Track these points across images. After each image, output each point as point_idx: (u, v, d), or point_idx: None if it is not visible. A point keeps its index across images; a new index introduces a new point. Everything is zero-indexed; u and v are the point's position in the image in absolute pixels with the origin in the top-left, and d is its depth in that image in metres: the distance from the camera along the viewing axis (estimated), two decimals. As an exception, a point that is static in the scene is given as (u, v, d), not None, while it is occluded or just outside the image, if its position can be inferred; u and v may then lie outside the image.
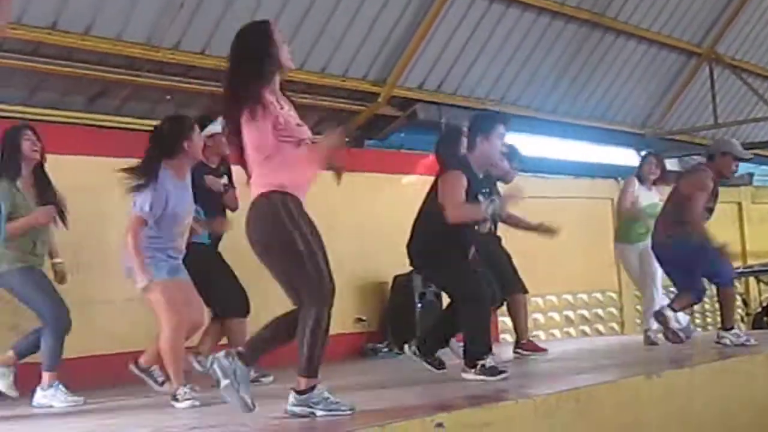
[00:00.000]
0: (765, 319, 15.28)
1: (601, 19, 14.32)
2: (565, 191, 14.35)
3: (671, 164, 16.42)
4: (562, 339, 14.19)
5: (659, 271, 10.17)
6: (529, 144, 14.72)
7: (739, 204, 19.11)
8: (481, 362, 6.92)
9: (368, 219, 10.89)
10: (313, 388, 5.21)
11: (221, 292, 7.71)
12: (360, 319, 11.21)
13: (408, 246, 7.43)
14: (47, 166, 7.45)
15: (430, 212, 7.26)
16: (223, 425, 5.34)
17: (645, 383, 6.49)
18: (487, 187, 7.54)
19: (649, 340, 10.10)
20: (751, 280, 17.10)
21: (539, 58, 13.93)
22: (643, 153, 10.94)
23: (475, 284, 7.11)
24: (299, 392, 5.21)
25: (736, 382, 7.37)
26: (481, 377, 6.85)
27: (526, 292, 9.18)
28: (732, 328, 8.95)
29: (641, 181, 10.36)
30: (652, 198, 10.44)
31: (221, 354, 5.34)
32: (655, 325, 10.12)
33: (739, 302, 17.82)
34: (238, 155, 5.44)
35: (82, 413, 6.74)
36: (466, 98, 13.29)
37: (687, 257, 8.86)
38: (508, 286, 8.69)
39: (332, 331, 10.82)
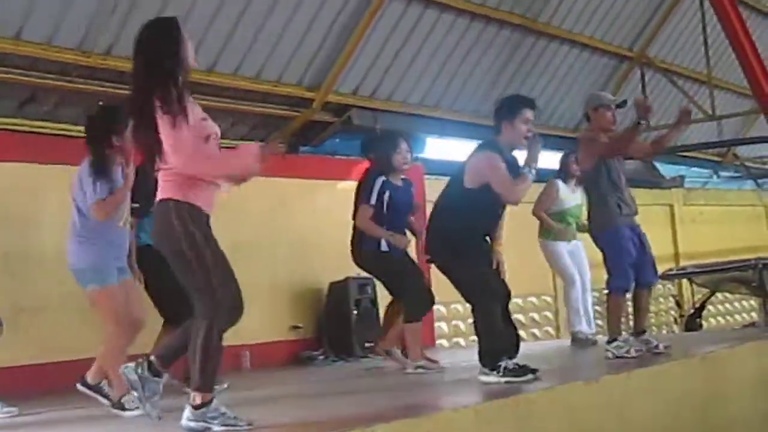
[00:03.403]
0: (698, 320, 15.39)
1: (533, 24, 14.40)
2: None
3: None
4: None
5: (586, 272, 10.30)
6: (463, 149, 14.75)
7: (671, 206, 19.30)
8: (501, 363, 6.82)
9: (304, 225, 10.83)
10: (209, 402, 5.10)
11: (172, 297, 7.60)
12: (295, 327, 11.15)
13: (427, 243, 7.43)
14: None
15: (447, 207, 7.27)
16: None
17: (583, 389, 6.50)
18: (515, 171, 7.30)
19: (580, 341, 10.20)
20: (684, 282, 17.22)
21: (473, 63, 13.95)
22: (563, 151, 10.77)
23: (488, 282, 7.09)
24: (195, 407, 5.09)
25: (673, 385, 7.41)
26: (506, 379, 6.74)
27: None
28: (614, 339, 8.33)
29: (565, 180, 10.42)
30: (576, 199, 10.51)
31: (131, 365, 5.30)
32: (584, 326, 10.24)
33: (672, 304, 18.07)
34: (144, 152, 5.35)
35: (17, 425, 6.63)
36: (400, 104, 13.30)
37: (604, 247, 8.57)
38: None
39: (268, 338, 10.93)
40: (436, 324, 13.36)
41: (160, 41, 5.37)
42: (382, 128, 12.63)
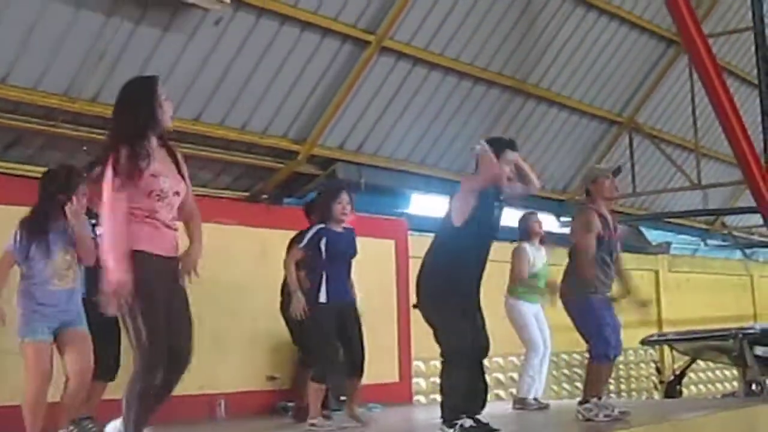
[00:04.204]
0: (678, 387, 15.37)
1: (523, 86, 14.54)
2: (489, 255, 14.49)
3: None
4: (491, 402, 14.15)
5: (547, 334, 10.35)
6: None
7: (656, 272, 19.30)
8: (459, 422, 6.93)
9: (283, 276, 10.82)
10: None
11: (105, 351, 7.62)
12: (272, 377, 11.14)
13: (416, 289, 7.48)
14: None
15: (430, 253, 7.39)
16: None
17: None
18: (498, 198, 7.46)
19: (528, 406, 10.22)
20: (665, 348, 17.21)
21: (461, 121, 14.04)
22: (523, 213, 10.85)
23: (461, 338, 7.08)
24: None
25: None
26: None
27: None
28: (586, 401, 8.40)
29: (529, 241, 10.48)
30: (543, 257, 10.59)
31: None
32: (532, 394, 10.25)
33: (652, 370, 18.05)
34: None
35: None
36: (386, 159, 13.39)
37: (575, 316, 8.59)
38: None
39: (244, 387, 10.91)
40: (414, 380, 13.35)
41: (130, 101, 5.64)
42: (367, 182, 12.73)
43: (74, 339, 6.90)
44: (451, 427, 6.92)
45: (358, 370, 8.61)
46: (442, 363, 7.21)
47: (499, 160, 7.30)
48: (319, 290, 8.53)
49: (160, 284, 5.48)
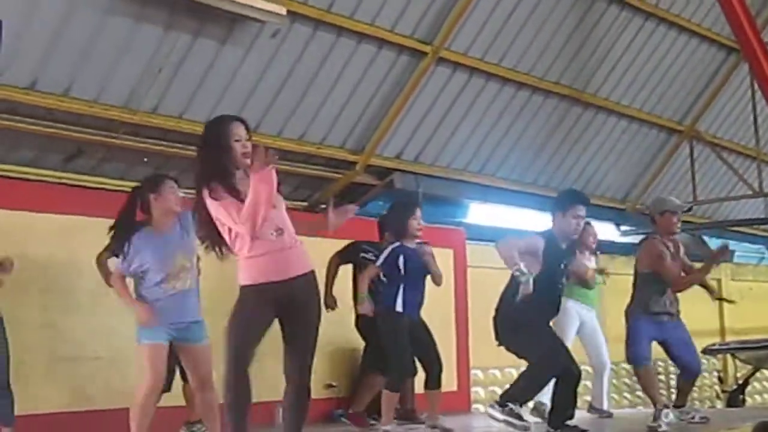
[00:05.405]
0: (740, 397, 15.24)
1: (580, 95, 14.52)
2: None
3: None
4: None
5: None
6: (507, 215, 14.80)
7: (719, 281, 19.12)
8: (510, 405, 7.34)
9: (341, 285, 10.92)
10: None
11: None
12: (330, 385, 11.21)
13: (493, 328, 7.95)
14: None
15: (509, 286, 7.80)
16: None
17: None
18: (568, 259, 7.95)
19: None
20: (728, 357, 17.08)
21: (519, 131, 14.08)
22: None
23: (550, 350, 7.57)
24: None
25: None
26: (504, 417, 7.33)
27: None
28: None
29: (581, 253, 10.48)
30: (592, 265, 10.61)
31: None
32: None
33: (715, 379, 17.89)
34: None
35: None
36: (444, 169, 13.46)
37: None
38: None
39: (302, 395, 10.92)
40: (473, 389, 13.37)
41: (209, 143, 5.95)
42: (425, 192, 12.80)
43: (195, 352, 7.02)
44: (502, 406, 7.33)
45: (436, 381, 8.74)
46: (529, 364, 7.66)
47: (567, 212, 7.80)
48: (395, 300, 8.66)
49: (260, 311, 5.90)
